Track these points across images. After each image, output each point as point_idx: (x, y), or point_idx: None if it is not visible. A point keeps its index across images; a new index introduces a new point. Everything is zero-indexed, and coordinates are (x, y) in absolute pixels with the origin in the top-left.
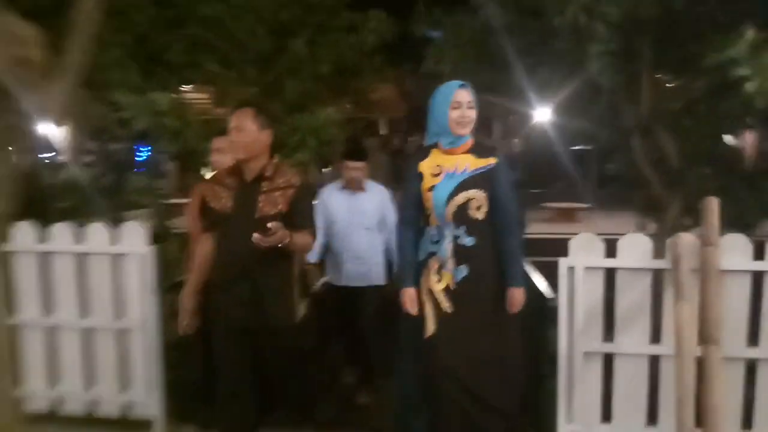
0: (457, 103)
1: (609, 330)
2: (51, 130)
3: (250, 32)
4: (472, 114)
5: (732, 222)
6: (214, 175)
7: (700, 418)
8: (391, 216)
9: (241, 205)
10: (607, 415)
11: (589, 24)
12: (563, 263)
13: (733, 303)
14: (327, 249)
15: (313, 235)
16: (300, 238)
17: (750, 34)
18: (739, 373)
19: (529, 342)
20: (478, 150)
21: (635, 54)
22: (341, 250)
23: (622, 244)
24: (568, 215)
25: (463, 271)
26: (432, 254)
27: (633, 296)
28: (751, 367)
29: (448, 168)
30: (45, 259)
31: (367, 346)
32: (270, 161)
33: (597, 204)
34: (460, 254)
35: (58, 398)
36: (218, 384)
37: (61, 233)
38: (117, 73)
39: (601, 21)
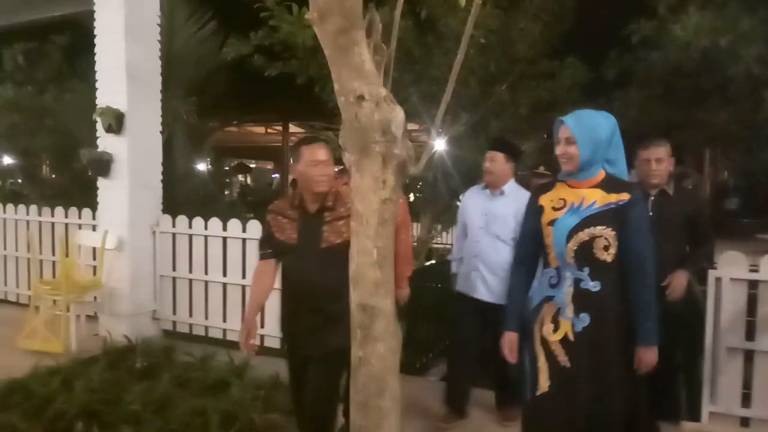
0: (558, 139)
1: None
2: None
3: (464, 83)
4: (571, 150)
5: None
6: (276, 206)
7: None
8: None
9: (305, 236)
10: (746, 402)
11: (762, 73)
12: (711, 274)
13: None
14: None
15: None
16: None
17: None
18: None
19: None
20: (609, 184)
21: None
22: (469, 258)
23: (764, 261)
24: None
25: (585, 320)
26: (549, 299)
27: None
28: None
29: (572, 202)
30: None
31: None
32: (331, 191)
33: None
34: (582, 300)
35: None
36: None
37: (213, 224)
38: None
39: None
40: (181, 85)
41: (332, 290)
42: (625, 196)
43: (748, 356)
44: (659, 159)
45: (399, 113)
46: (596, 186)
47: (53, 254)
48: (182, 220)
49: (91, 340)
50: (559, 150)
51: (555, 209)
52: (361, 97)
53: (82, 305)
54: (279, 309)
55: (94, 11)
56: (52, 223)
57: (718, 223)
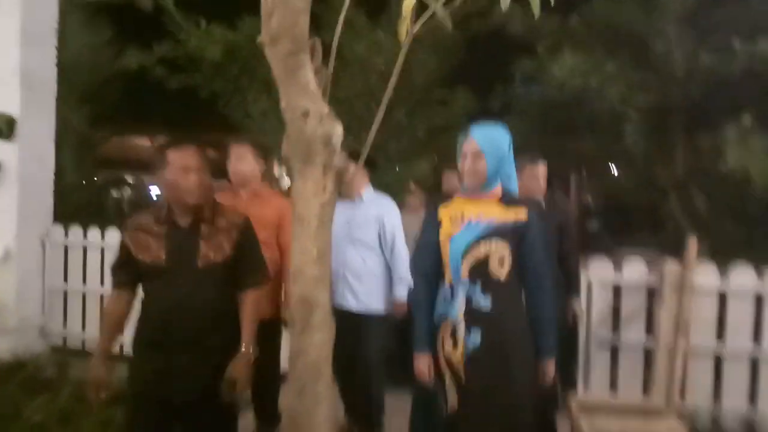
0: (464, 155)
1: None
2: None
3: (366, 108)
4: (480, 164)
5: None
6: (135, 222)
7: None
8: (393, 234)
9: (176, 254)
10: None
11: (623, 110)
12: (582, 279)
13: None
14: None
15: (266, 276)
16: (251, 306)
17: (745, 119)
18: None
19: None
20: (507, 199)
21: (667, 129)
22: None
23: (626, 265)
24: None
25: (476, 337)
26: (444, 317)
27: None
28: None
29: (470, 217)
30: None
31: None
32: (207, 202)
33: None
34: (473, 317)
35: None
36: None
37: (111, 235)
38: None
39: (633, 108)
40: (72, 93)
41: (213, 317)
42: (522, 212)
43: (614, 350)
44: (543, 175)
45: (338, 128)
46: (496, 201)
47: None
48: (76, 230)
49: None
50: (465, 164)
51: (453, 224)
52: (306, 113)
53: None
54: (130, 345)
55: None
56: None
57: (582, 242)
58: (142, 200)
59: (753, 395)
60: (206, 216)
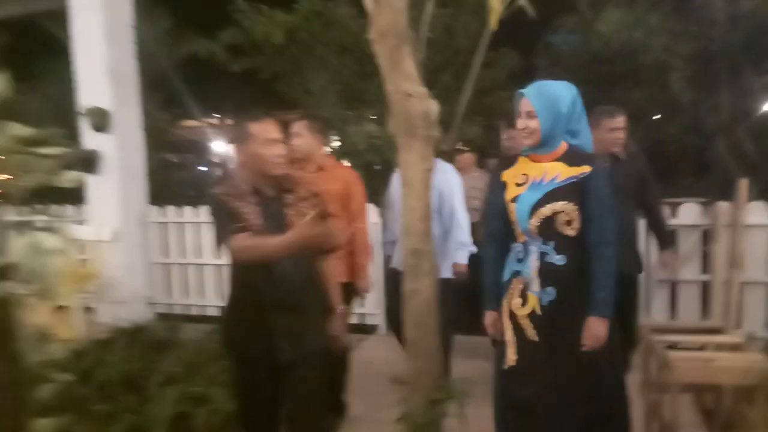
0: (518, 113)
1: None
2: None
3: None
4: (532, 124)
5: None
6: (225, 189)
7: None
8: (452, 200)
9: (269, 221)
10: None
11: (668, 60)
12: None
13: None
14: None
15: (338, 243)
16: (332, 270)
17: None
18: None
19: None
20: (571, 157)
21: (711, 75)
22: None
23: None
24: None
25: (551, 293)
26: (516, 273)
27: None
28: None
29: (534, 177)
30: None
31: None
32: (288, 174)
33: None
34: (548, 274)
35: None
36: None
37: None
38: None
39: (678, 57)
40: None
41: (306, 281)
42: (586, 169)
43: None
44: (622, 127)
45: (434, 105)
46: (558, 159)
47: None
48: (172, 210)
49: (95, 327)
50: (519, 124)
51: (518, 185)
52: (409, 95)
53: (83, 296)
54: (227, 310)
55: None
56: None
57: None
58: (197, 179)
59: None
60: (289, 186)
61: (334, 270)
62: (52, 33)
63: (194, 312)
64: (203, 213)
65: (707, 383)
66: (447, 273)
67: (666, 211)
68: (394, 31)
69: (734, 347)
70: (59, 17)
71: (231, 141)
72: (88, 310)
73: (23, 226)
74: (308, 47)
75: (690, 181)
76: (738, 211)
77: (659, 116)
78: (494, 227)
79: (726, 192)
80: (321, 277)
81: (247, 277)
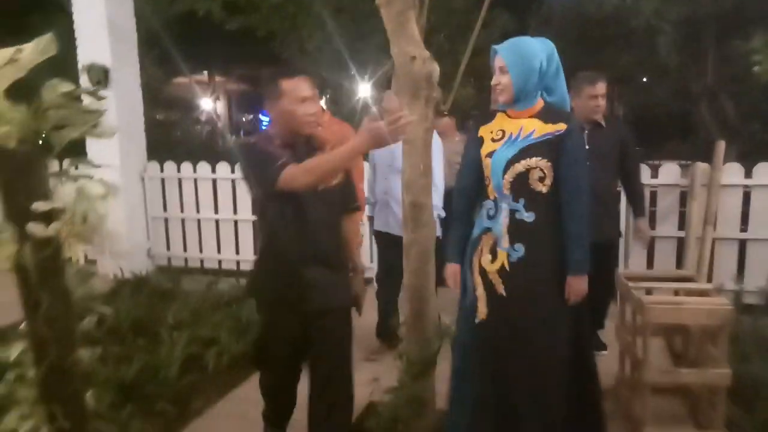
0: (493, 69)
1: None
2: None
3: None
4: (504, 80)
5: None
6: (259, 140)
7: None
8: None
9: None
10: None
11: (657, 24)
12: None
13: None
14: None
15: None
16: (354, 228)
17: None
18: None
19: None
20: (547, 113)
21: (698, 40)
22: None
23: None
24: None
25: (520, 250)
26: (487, 230)
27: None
28: None
29: (510, 132)
30: None
31: None
32: (317, 132)
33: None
34: (517, 231)
35: None
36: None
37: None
38: None
39: (667, 21)
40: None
41: (334, 236)
42: (561, 126)
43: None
44: (603, 95)
45: (436, 68)
46: (534, 116)
47: None
48: (170, 165)
49: (98, 277)
50: (493, 80)
51: (494, 141)
52: (413, 58)
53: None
54: (259, 260)
55: None
56: None
57: None
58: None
59: None
60: (318, 144)
61: (355, 231)
62: None
63: (192, 264)
64: (201, 169)
65: (676, 325)
66: None
67: (648, 171)
68: None
69: (702, 293)
70: None
71: (263, 98)
72: (88, 261)
73: (63, 175)
74: (305, 6)
75: (675, 143)
76: (715, 172)
77: (647, 79)
78: (465, 182)
79: (708, 154)
80: (345, 237)
81: (281, 229)
